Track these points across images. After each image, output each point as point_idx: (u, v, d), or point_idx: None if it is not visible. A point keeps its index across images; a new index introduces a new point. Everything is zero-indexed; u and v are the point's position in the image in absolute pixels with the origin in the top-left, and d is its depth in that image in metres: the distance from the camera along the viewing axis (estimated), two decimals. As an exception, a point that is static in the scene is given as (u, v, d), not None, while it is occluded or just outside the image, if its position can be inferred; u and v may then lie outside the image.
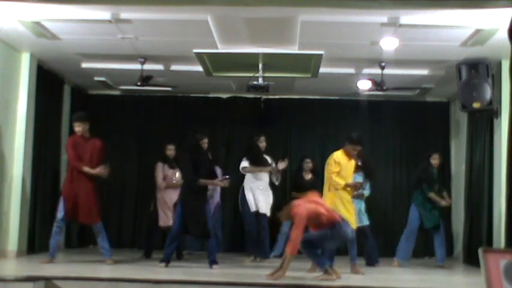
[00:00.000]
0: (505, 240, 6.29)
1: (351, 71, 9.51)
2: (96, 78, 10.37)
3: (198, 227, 7.68)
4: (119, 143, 11.42)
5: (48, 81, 9.76)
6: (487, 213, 8.72)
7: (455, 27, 7.30)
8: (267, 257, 8.96)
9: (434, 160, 9.13)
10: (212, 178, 8.01)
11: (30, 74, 9.07)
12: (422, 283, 7.14)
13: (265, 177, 9.13)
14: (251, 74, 9.05)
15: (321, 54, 8.40)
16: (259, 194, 8.98)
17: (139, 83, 9.24)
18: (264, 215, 8.97)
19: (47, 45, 8.45)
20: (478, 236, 8.99)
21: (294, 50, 8.31)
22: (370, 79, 9.24)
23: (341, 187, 7.44)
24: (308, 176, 9.95)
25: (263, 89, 9.04)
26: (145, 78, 9.20)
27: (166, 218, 9.01)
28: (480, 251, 3.39)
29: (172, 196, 8.90)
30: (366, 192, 8.88)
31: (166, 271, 7.38)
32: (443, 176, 11.04)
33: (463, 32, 7.49)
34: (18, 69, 8.95)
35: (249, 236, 9.06)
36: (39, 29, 7.70)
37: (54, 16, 7.23)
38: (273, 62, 8.81)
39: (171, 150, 9.36)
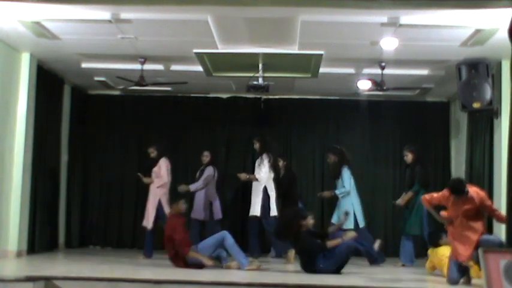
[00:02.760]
0: (506, 240, 6.30)
1: (351, 71, 9.51)
2: (96, 78, 10.37)
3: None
4: (119, 143, 11.44)
5: (48, 81, 9.76)
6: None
7: (455, 27, 7.30)
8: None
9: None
10: None
11: (30, 74, 9.06)
12: (422, 283, 7.14)
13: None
14: (251, 74, 9.05)
15: (321, 54, 8.40)
16: (273, 197, 9.02)
17: (138, 83, 9.25)
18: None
19: (47, 45, 8.45)
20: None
21: (294, 50, 8.31)
22: (370, 79, 9.23)
23: None
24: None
25: (263, 89, 9.04)
26: (122, 79, 9.22)
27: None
28: (480, 251, 3.39)
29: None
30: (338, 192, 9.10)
31: (166, 271, 7.38)
32: (443, 177, 11.07)
33: (463, 32, 7.49)
34: (18, 69, 8.94)
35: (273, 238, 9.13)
36: (39, 29, 7.70)
37: (54, 16, 7.23)
38: (273, 62, 8.80)
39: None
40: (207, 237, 9.94)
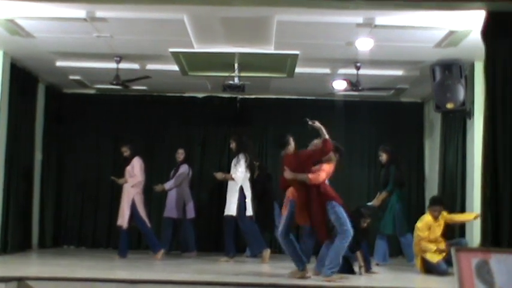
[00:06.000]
0: (481, 239, 6.39)
1: (327, 71, 9.56)
2: (71, 77, 10.28)
3: None
4: (94, 142, 11.35)
5: (22, 80, 9.65)
6: (460, 212, 8.81)
7: (429, 29, 7.38)
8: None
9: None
10: None
11: (4, 72, 8.94)
12: (397, 281, 7.19)
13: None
14: (227, 74, 9.05)
15: (297, 54, 8.43)
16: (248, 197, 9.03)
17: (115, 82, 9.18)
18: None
19: (21, 43, 8.35)
20: (451, 235, 9.07)
21: (270, 49, 8.33)
22: (345, 79, 9.29)
23: None
24: None
25: (239, 88, 9.04)
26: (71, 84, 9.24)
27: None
28: (453, 250, 3.43)
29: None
30: None
31: (141, 271, 7.35)
32: (418, 176, 11.18)
33: (437, 33, 7.57)
34: (-10, 67, 8.84)
35: (250, 237, 9.12)
36: (13, 27, 7.61)
37: (28, 14, 7.16)
38: (248, 61, 8.81)
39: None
40: (180, 236, 10.02)
